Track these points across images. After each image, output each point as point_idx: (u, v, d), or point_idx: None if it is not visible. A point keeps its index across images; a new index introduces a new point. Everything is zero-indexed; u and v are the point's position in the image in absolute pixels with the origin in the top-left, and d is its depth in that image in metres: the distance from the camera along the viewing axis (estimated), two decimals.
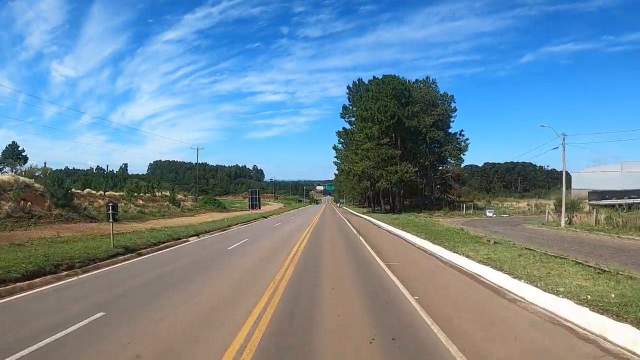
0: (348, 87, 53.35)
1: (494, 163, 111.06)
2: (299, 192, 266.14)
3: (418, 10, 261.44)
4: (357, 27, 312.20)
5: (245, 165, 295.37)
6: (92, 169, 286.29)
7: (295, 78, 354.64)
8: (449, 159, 46.70)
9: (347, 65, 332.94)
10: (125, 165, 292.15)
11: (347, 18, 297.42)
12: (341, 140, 56.72)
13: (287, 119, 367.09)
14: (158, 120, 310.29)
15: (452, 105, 46.63)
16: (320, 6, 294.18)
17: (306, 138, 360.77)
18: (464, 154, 46.09)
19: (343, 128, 53.84)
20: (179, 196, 54.39)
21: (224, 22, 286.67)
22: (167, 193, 50.36)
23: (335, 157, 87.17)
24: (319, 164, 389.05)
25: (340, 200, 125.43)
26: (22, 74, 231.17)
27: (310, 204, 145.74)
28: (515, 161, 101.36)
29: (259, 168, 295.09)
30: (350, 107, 54.31)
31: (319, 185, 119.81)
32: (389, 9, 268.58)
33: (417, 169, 44.93)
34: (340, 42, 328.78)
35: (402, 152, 43.56)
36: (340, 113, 54.87)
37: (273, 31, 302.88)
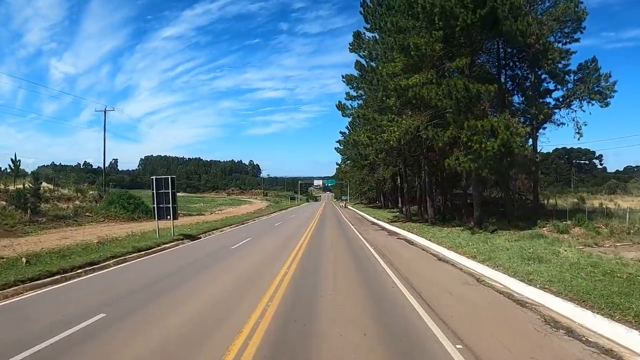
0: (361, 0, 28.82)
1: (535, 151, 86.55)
2: (297, 187, 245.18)
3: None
4: (357, 23, 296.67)
5: (241, 161, 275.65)
6: (80, 164, 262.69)
7: (294, 74, 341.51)
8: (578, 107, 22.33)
9: (346, 61, 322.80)
10: (115, 160, 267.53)
11: (347, 14, 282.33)
12: (352, 91, 32.11)
13: (287, 116, 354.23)
14: (158, 117, 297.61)
15: (580, 6, 22.31)
16: (319, 2, 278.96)
17: (306, 135, 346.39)
18: (606, 103, 21.82)
19: (357, 63, 29.24)
20: (66, 192, 30.03)
21: (223, 19, 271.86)
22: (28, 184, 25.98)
23: (337, 142, 63.40)
24: (319, 160, 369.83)
25: (344, 197, 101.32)
26: (22, 71, 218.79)
27: (308, 201, 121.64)
28: (565, 147, 77.04)
29: (255, 163, 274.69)
30: (366, 36, 29.79)
31: (317, 180, 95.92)
32: None
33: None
34: (339, 38, 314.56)
35: (499, 92, 19.43)
36: (350, 45, 30.40)
37: (272, 27, 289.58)
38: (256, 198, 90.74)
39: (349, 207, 60.17)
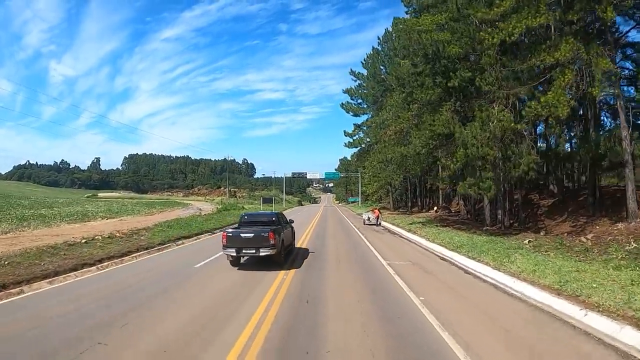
0: None
1: None
2: (294, 188, 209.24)
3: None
4: (356, 23, 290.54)
5: (234, 159, 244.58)
6: (57, 163, 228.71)
7: (294, 75, 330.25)
8: None
9: (346, 62, 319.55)
10: (97, 159, 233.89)
11: (346, 14, 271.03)
12: None
13: (287, 117, 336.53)
14: (158, 119, 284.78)
15: None
16: (318, 3, 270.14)
17: (305, 136, 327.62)
18: None
19: None
20: None
21: (222, 20, 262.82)
22: None
23: (347, 93, 27.83)
24: (319, 162, 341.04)
25: (351, 199, 64.75)
26: (20, 73, 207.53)
27: (302, 204, 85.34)
28: None
29: (249, 162, 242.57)
30: None
31: (312, 173, 59.14)
32: (388, 5, 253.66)
33: None
34: (339, 39, 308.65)
35: None
36: None
37: (271, 28, 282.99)
38: (213, 200, 54.85)
39: (383, 223, 22.69)
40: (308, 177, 61.22)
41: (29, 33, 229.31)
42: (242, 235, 9.00)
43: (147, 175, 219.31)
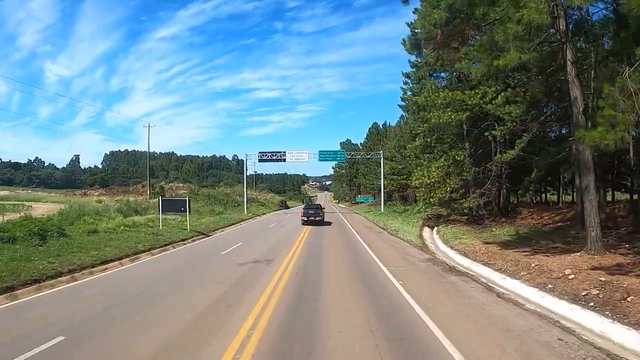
0: None
1: None
2: (287, 186, 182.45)
3: (414, 3, 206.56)
4: (352, 21, 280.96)
5: (224, 156, 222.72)
6: (31, 161, 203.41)
7: (290, 74, 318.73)
8: None
9: (342, 60, 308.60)
10: (77, 156, 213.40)
11: (342, 12, 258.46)
12: None
13: (283, 116, 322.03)
14: (154, 118, 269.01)
15: None
16: (314, 0, 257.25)
17: (302, 134, 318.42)
18: None
19: None
20: None
21: (217, 19, 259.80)
22: None
23: None
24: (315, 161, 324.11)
25: (361, 199, 37.58)
26: (16, 74, 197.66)
27: (286, 205, 58.39)
28: None
29: (239, 159, 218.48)
30: None
31: (294, 153, 32.36)
32: (384, 3, 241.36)
33: None
34: (335, 37, 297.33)
35: None
36: None
37: (267, 27, 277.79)
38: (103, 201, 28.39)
39: None
40: (288, 159, 33.91)
41: (24, 33, 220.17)
42: (309, 211, 23.20)
43: (126, 172, 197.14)
